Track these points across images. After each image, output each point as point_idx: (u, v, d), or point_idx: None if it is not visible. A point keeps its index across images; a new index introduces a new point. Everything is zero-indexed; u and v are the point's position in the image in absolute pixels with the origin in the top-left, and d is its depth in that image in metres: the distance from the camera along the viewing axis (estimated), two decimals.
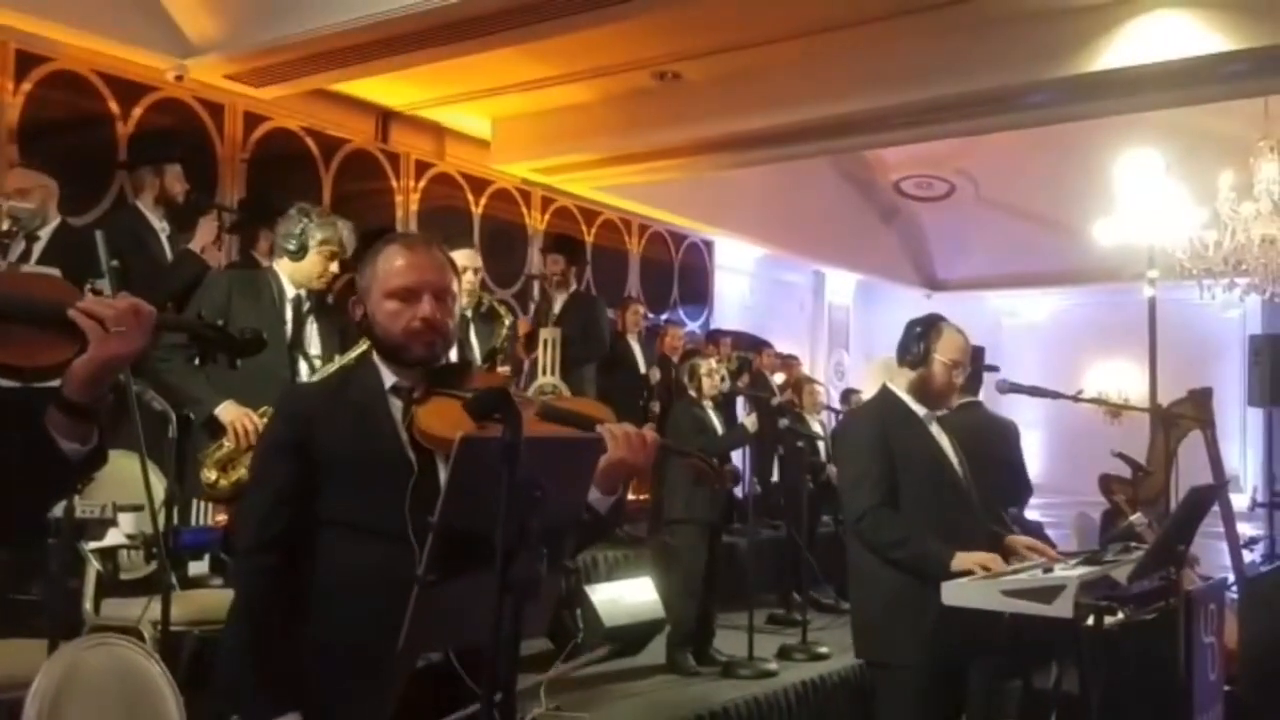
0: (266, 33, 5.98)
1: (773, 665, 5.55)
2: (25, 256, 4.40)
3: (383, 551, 1.89)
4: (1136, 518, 4.03)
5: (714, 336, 9.62)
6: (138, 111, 6.39)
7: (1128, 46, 6.14)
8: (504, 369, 4.53)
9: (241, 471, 3.65)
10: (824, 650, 5.90)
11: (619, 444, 1.96)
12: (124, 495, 3.45)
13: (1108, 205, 8.51)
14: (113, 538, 3.52)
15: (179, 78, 6.39)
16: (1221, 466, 6.12)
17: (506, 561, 1.44)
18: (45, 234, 4.57)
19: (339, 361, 3.66)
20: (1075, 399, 4.05)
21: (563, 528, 1.74)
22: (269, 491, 2.00)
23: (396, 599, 1.66)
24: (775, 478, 8.81)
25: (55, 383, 1.49)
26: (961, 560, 3.24)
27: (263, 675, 1.93)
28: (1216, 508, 5.61)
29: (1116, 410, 10.08)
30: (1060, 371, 11.05)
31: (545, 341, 6.98)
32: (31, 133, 5.88)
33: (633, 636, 5.76)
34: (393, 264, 2.04)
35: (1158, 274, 8.15)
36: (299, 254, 3.87)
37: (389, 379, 2.06)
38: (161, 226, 5.08)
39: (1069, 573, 3.12)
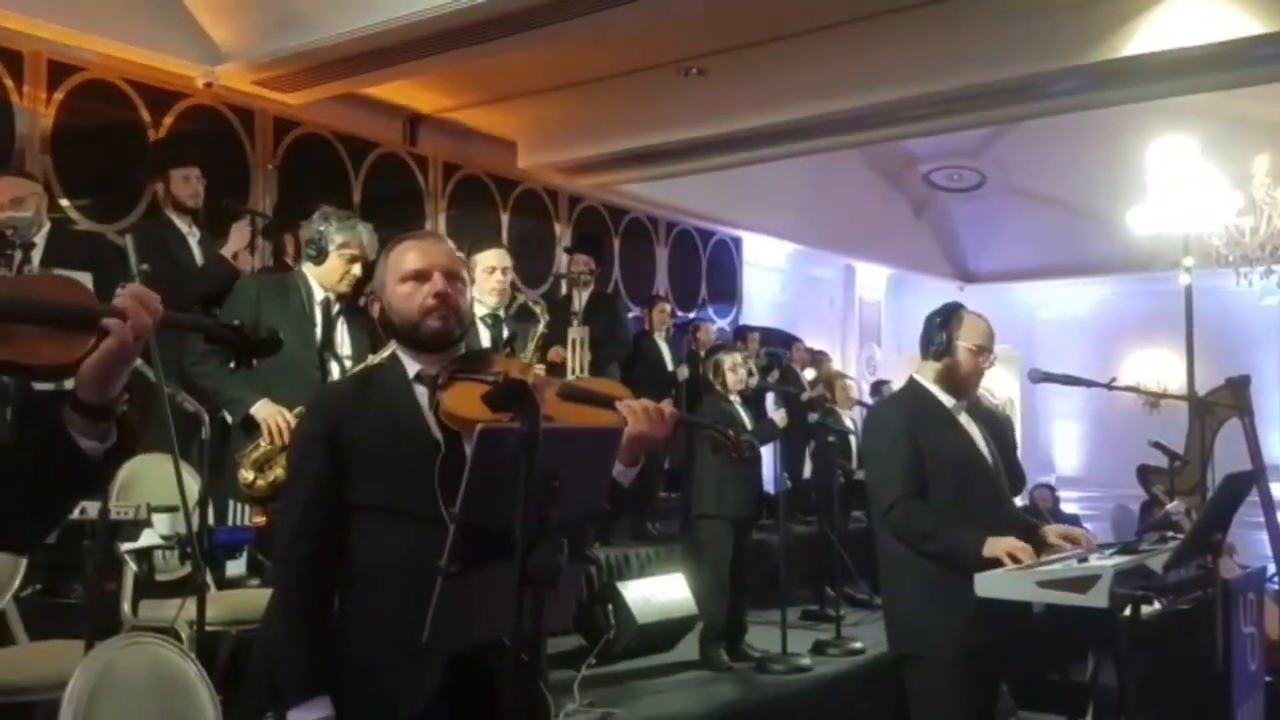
0: (294, 38, 6.02)
1: (806, 660, 5.53)
2: (24, 263, 4.44)
3: (417, 532, 1.94)
4: (1173, 506, 3.97)
5: (741, 333, 9.60)
6: (168, 119, 6.48)
7: (1159, 31, 6.07)
8: (539, 367, 4.52)
9: (278, 471, 3.66)
10: (858, 645, 5.87)
11: (639, 418, 2.05)
12: (158, 496, 3.49)
13: (1141, 193, 8.41)
14: (147, 539, 3.55)
15: (209, 85, 6.46)
16: (1260, 455, 6.01)
17: (526, 552, 1.45)
18: (39, 240, 4.61)
19: (377, 357, 3.66)
20: (1109, 387, 3.99)
21: (584, 518, 1.75)
22: (306, 484, 2.08)
23: (432, 580, 1.72)
24: (806, 474, 8.78)
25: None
26: (992, 546, 3.20)
27: (298, 660, 1.99)
28: (1258, 497, 5.52)
29: (1155, 400, 9.97)
30: (1096, 362, 10.95)
31: (574, 341, 6.98)
32: (64, 141, 5.98)
33: (665, 633, 5.76)
34: (404, 255, 2.16)
35: (1194, 262, 8.05)
36: (319, 258, 3.89)
37: (413, 368, 2.14)
38: (190, 232, 5.11)
39: (1104, 562, 3.07)
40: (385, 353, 3.57)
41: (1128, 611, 3.25)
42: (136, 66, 6.31)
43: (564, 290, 8.51)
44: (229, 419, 3.97)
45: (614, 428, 1.91)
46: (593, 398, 2.07)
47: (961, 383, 3.49)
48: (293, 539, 2.06)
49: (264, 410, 3.74)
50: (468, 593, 1.65)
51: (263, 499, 3.84)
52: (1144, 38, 6.11)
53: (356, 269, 3.95)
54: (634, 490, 2.11)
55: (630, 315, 8.85)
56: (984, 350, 3.47)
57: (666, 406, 2.10)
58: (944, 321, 3.48)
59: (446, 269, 2.14)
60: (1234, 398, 5.96)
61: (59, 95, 6.02)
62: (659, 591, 5.82)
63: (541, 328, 4.53)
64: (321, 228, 3.90)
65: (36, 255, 4.52)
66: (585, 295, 7.18)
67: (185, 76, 6.44)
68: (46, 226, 4.73)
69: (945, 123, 7.83)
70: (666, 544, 6.78)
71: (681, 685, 5.17)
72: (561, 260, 9.01)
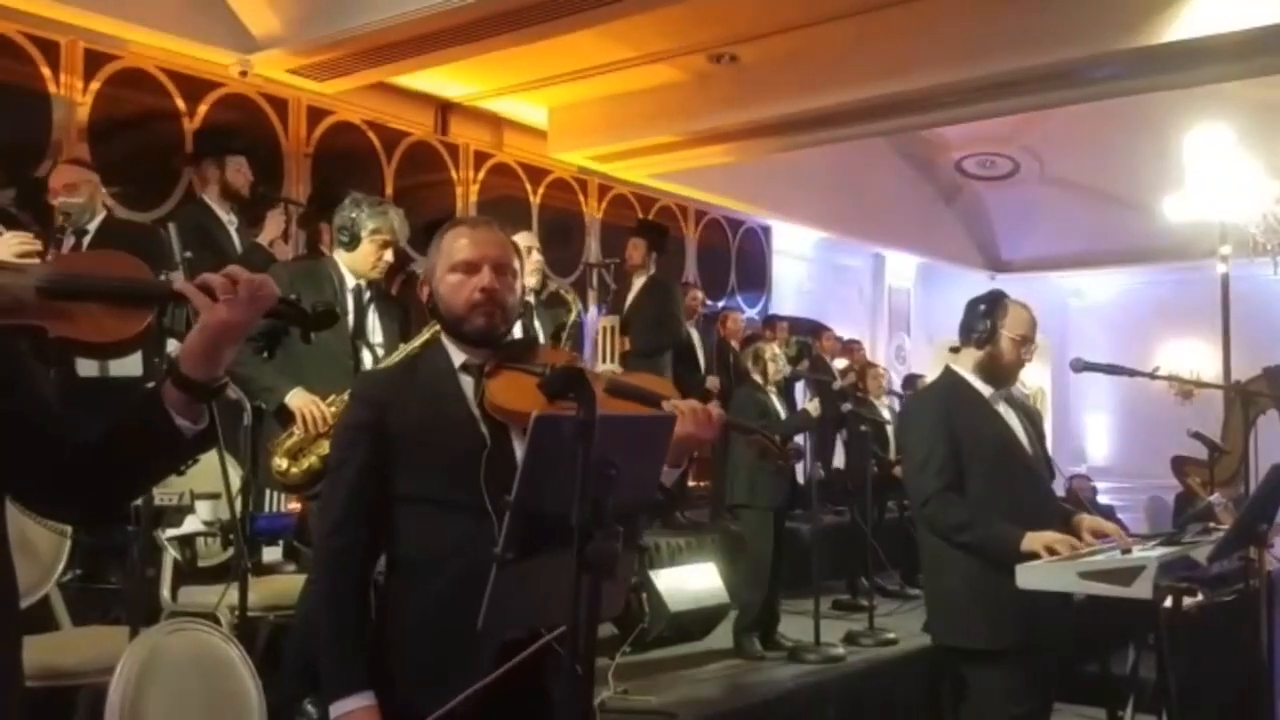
0: (328, 27, 6.04)
1: (839, 650, 5.51)
2: (75, 250, 4.48)
3: (462, 524, 1.93)
4: (1215, 498, 3.93)
5: (771, 322, 9.57)
6: (203, 108, 6.52)
7: (1198, 16, 5.98)
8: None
9: (312, 459, 3.66)
10: (891, 635, 5.85)
11: (687, 420, 2.00)
12: (201, 483, 3.50)
13: (1177, 181, 8.32)
14: (190, 525, 3.58)
15: (243, 73, 6.49)
16: None
17: (583, 540, 1.44)
18: (92, 227, 4.66)
19: (405, 349, 3.67)
20: (1152, 376, 3.96)
21: (637, 506, 1.74)
22: (350, 471, 2.05)
23: (477, 571, 1.70)
24: (837, 464, 8.74)
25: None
26: (1031, 541, 3.17)
27: (342, 654, 1.98)
28: None
29: (1188, 391, 9.88)
30: (1130, 352, 10.85)
31: (604, 329, 6.98)
32: (101, 130, 6.02)
33: (698, 621, 5.76)
34: (456, 242, 2.12)
35: (1230, 250, 7.96)
36: (352, 244, 3.88)
37: (458, 358, 2.11)
38: (230, 219, 5.16)
39: (1148, 553, 3.04)
40: (425, 335, 3.59)
41: (1168, 603, 3.23)
42: (172, 55, 6.34)
43: (594, 278, 8.52)
44: (264, 407, 3.98)
45: (668, 416, 1.89)
46: (641, 395, 2.04)
47: (1003, 372, 3.46)
48: (335, 528, 2.04)
49: (298, 399, 3.73)
50: (518, 581, 1.65)
51: (297, 486, 3.85)
52: (1183, 23, 6.03)
53: (389, 254, 3.92)
54: (676, 490, 2.09)
55: None
56: (1027, 341, 3.44)
57: (715, 409, 2.06)
58: (989, 310, 3.43)
59: (497, 261, 2.09)
60: (1271, 387, 5.91)
61: (95, 84, 6.06)
62: (691, 580, 5.83)
63: (574, 316, 4.52)
64: (353, 214, 3.89)
65: (87, 243, 4.57)
66: (640, 281, 7.13)
67: (220, 65, 6.47)
68: (101, 216, 4.78)
69: (979, 109, 7.76)
70: (696, 533, 6.78)
71: (715, 674, 5.17)
72: (591, 248, 9.00)
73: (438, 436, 2.02)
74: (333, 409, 3.66)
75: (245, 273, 1.54)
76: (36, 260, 3.61)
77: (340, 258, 3.95)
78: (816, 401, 6.13)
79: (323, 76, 6.65)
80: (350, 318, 3.91)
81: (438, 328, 3.29)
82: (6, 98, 5.71)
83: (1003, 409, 3.49)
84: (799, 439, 6.15)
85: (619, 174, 9.14)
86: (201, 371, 1.49)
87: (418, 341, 3.59)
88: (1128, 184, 10.39)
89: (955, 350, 3.60)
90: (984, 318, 3.42)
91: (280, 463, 3.72)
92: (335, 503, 2.07)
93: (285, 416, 3.78)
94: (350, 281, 3.94)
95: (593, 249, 9.06)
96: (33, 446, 1.50)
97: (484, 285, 2.06)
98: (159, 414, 1.49)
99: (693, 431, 2.00)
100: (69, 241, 4.50)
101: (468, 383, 2.08)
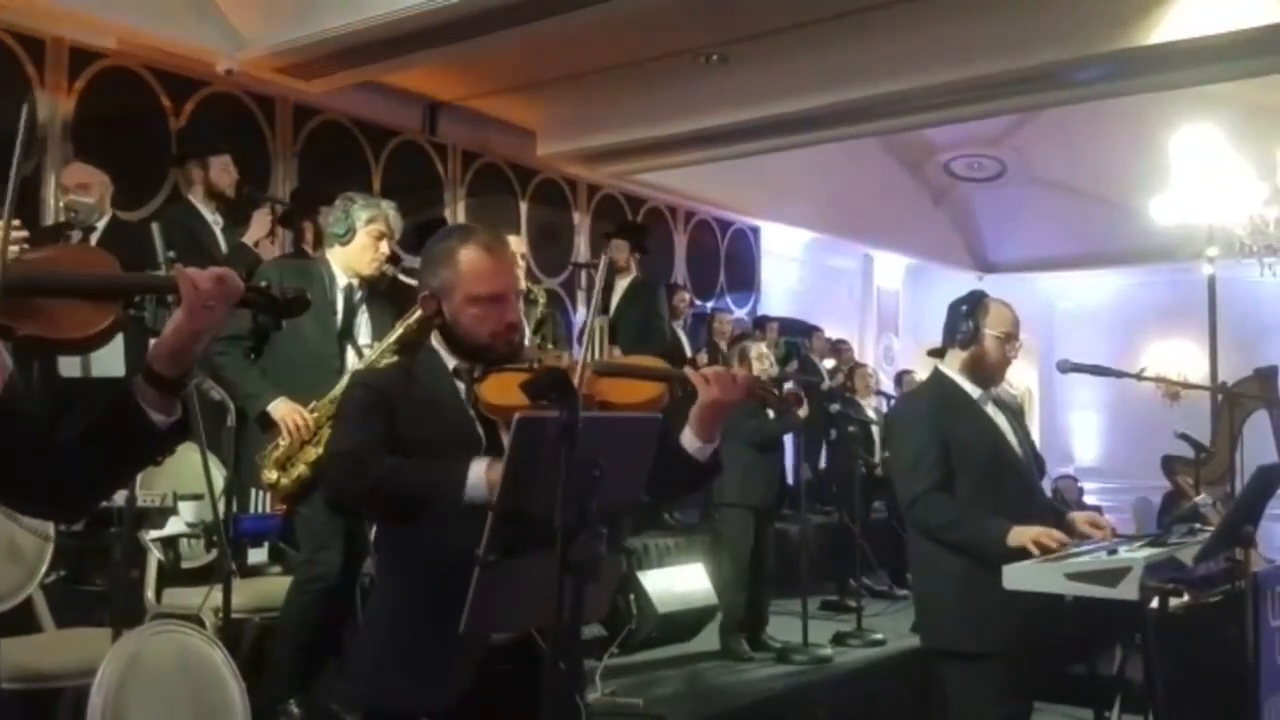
0: (315, 25, 6.01)
1: (827, 651, 5.53)
2: None
3: (458, 521, 1.89)
4: (1201, 499, 3.93)
5: (761, 323, 9.56)
6: (189, 106, 6.48)
7: (1185, 18, 5.99)
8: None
9: (301, 468, 3.64)
10: (879, 636, 5.86)
11: (711, 385, 1.99)
12: (184, 485, 3.49)
13: (1164, 182, 8.33)
14: (173, 526, 3.55)
15: (230, 72, 6.45)
16: None
17: (567, 542, 1.44)
18: (100, 226, 4.65)
19: (384, 343, 3.62)
20: (1139, 377, 3.96)
21: (622, 508, 1.74)
22: (369, 436, 1.99)
23: (470, 571, 1.71)
24: (824, 464, 8.74)
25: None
26: (1017, 535, 3.17)
27: (426, 465, 1.95)
28: None
29: (1175, 392, 9.91)
30: (1117, 354, 10.89)
31: (594, 329, 6.96)
32: (86, 129, 5.98)
33: (686, 623, 5.76)
34: (478, 267, 2.06)
35: (1217, 252, 7.98)
36: (347, 237, 3.82)
37: (450, 362, 2.11)
38: (215, 219, 5.13)
39: (1134, 554, 3.05)
40: (400, 330, 3.55)
41: (1155, 604, 3.23)
42: (158, 53, 6.30)
43: (583, 279, 8.50)
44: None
45: (653, 416, 1.89)
46: (634, 371, 2.08)
47: (989, 372, 3.46)
48: (356, 451, 1.98)
49: (281, 409, 3.68)
50: (506, 582, 1.64)
51: (290, 497, 3.82)
52: (1170, 25, 6.03)
53: (384, 246, 3.86)
54: (713, 466, 2.07)
55: None
56: (1011, 338, 3.44)
57: (737, 371, 2.06)
58: (970, 310, 3.43)
59: (517, 289, 2.11)
60: (1262, 389, 5.92)
61: (80, 82, 6.03)
62: (679, 581, 5.82)
63: (541, 308, 4.51)
64: (347, 207, 3.85)
65: (93, 240, 4.56)
66: (624, 283, 7.12)
67: (207, 64, 6.43)
68: (109, 216, 4.77)
69: (967, 110, 7.77)
70: (685, 534, 6.77)
71: (703, 675, 5.17)
72: (580, 249, 8.99)
73: (439, 436, 2.02)
74: (315, 415, 3.64)
75: (228, 272, 1.55)
76: (23, 246, 3.59)
77: (334, 256, 3.90)
78: (805, 403, 6.12)
79: (310, 75, 6.61)
80: (339, 318, 3.88)
81: (413, 319, 3.30)
82: None
83: (991, 410, 3.50)
84: (786, 442, 6.15)
85: (607, 175, 9.12)
86: (173, 368, 1.52)
87: (393, 336, 3.56)
88: (1115, 186, 10.40)
89: (934, 353, 3.60)
90: (966, 318, 3.42)
91: (270, 475, 3.68)
92: (348, 439, 2.01)
93: (266, 423, 3.75)
94: (341, 281, 3.90)
95: (581, 249, 9.05)
96: (10, 448, 1.50)
97: (511, 321, 2.05)
98: (133, 410, 1.51)
99: (719, 397, 1.99)
100: (76, 239, 4.50)
101: (460, 388, 2.09)
